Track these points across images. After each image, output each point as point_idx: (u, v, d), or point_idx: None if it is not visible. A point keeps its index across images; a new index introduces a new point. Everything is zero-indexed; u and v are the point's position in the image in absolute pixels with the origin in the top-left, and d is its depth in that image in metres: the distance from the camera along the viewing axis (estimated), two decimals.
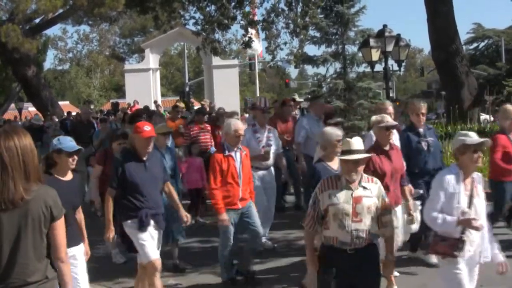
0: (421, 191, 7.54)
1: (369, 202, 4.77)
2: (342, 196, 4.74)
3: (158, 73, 38.54)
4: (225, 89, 31.18)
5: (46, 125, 17.26)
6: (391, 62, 18.91)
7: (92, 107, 27.46)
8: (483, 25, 48.86)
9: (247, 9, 18.06)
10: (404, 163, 7.34)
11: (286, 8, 17.61)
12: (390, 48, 16.54)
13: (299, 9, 17.57)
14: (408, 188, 7.28)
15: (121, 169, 6.41)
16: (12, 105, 33.73)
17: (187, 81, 43.77)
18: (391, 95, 24.63)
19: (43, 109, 21.96)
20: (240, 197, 7.43)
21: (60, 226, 3.63)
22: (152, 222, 6.43)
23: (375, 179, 4.99)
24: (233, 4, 17.49)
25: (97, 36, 72.34)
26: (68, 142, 5.43)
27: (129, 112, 17.87)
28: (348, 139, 4.97)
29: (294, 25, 17.47)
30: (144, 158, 6.46)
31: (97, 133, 14.46)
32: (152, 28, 52.01)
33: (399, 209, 6.93)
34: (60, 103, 30.50)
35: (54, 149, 5.42)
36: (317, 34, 25.85)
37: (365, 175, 4.91)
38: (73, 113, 22.37)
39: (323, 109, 11.13)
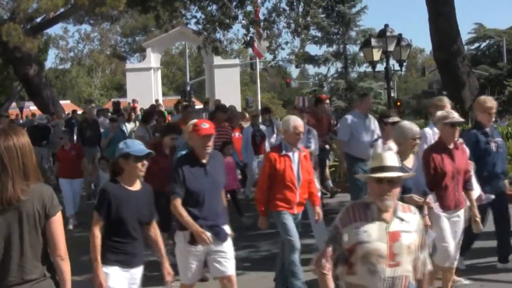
0: (492, 196, 7.15)
1: (408, 239, 3.69)
2: (374, 231, 3.63)
3: (159, 72, 38.63)
4: (226, 89, 31.21)
5: (53, 124, 17.09)
6: (392, 62, 18.92)
7: (93, 105, 27.44)
8: (485, 25, 48.73)
9: (250, 8, 18.03)
10: (472, 165, 6.76)
11: (287, 8, 17.61)
12: (391, 48, 16.56)
13: (300, 9, 17.56)
14: (473, 192, 6.67)
15: (181, 173, 5.61)
16: (14, 104, 33.74)
17: (188, 80, 43.80)
18: (392, 95, 24.67)
19: (44, 108, 21.96)
20: (297, 201, 6.74)
21: (56, 223, 3.60)
22: (209, 234, 5.58)
23: (412, 207, 3.91)
24: (234, 3, 17.47)
25: (98, 35, 72.32)
26: (136, 146, 4.93)
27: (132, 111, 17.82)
28: (380, 152, 4.20)
29: (296, 25, 17.46)
30: (204, 161, 5.66)
31: (106, 132, 14.30)
32: (154, 27, 51.96)
33: (461, 213, 6.47)
34: (61, 102, 30.47)
35: (121, 154, 4.89)
36: (319, 34, 25.87)
37: (400, 203, 3.81)
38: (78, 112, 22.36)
39: (371, 106, 10.53)
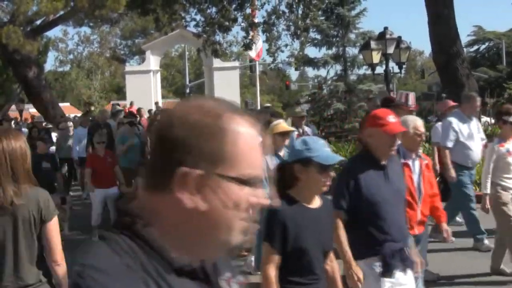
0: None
1: None
2: None
3: (158, 74, 38.62)
4: (226, 91, 31.17)
5: (60, 126, 16.44)
6: (391, 64, 18.92)
7: (92, 108, 27.43)
8: (484, 27, 48.85)
9: (249, 11, 18.06)
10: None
11: (287, 10, 17.64)
12: (390, 50, 16.56)
13: (300, 11, 17.59)
14: None
15: (353, 181, 4.25)
16: (13, 106, 33.73)
17: (187, 83, 43.82)
18: None
19: (43, 110, 21.95)
20: (418, 220, 5.28)
21: (52, 228, 3.59)
22: (397, 261, 4.21)
23: None
24: (234, 6, 17.50)
25: (98, 38, 72.34)
26: (321, 148, 3.55)
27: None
28: None
29: (295, 27, 17.49)
30: (383, 163, 4.34)
31: (123, 138, 12.43)
32: (153, 29, 51.91)
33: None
34: (61, 104, 30.46)
35: (298, 158, 3.53)
36: (318, 36, 25.85)
37: None
38: (78, 115, 22.32)
39: (478, 107, 9.21)
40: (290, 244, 3.47)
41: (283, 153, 6.83)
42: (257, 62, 34.57)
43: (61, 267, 3.61)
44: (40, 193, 3.60)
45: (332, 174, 3.53)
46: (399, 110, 7.20)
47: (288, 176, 3.58)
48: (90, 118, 16.42)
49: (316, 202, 3.62)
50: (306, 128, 11.00)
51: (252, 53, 25.60)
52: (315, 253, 3.54)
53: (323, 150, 3.54)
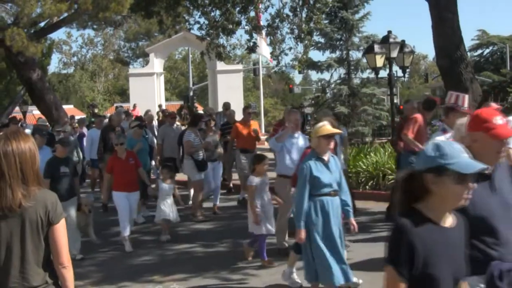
0: None
1: None
2: None
3: (162, 77, 38.66)
4: (229, 94, 31.20)
5: (63, 129, 16.17)
6: (395, 68, 18.92)
7: (96, 111, 27.47)
8: (488, 31, 48.83)
9: (253, 14, 18.05)
10: None
11: (290, 14, 17.62)
12: (394, 54, 16.54)
13: (303, 15, 17.58)
14: None
15: None
16: (17, 108, 33.82)
17: (191, 85, 43.86)
18: (395, 101, 24.66)
19: (47, 112, 21.98)
20: None
21: (59, 230, 3.57)
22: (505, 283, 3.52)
23: None
24: (237, 9, 17.49)
25: (102, 40, 72.55)
26: (459, 154, 2.93)
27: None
28: None
29: (299, 31, 17.47)
30: (489, 172, 3.69)
31: (132, 141, 11.88)
32: (157, 32, 52.03)
33: None
34: (65, 106, 30.54)
35: (430, 167, 2.92)
36: (322, 40, 25.83)
37: None
38: (80, 117, 22.32)
39: None
40: (418, 270, 2.87)
41: (327, 157, 6.59)
42: (260, 66, 34.61)
43: (67, 270, 3.59)
44: (48, 195, 3.59)
45: (473, 185, 2.94)
46: (454, 113, 6.89)
47: (417, 187, 2.96)
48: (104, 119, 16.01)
49: (450, 220, 3.00)
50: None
51: (267, 55, 25.47)
52: (446, 282, 2.92)
53: (461, 156, 2.91)
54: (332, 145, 6.76)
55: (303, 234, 6.41)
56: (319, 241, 6.42)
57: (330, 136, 6.54)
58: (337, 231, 6.53)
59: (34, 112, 31.77)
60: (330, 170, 6.57)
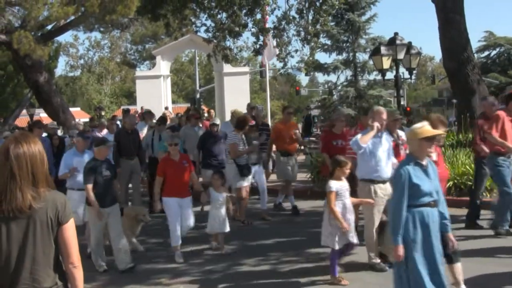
0: None
1: None
2: None
3: (169, 79, 38.67)
4: (236, 96, 31.18)
5: (69, 133, 15.76)
6: (402, 70, 18.89)
7: (103, 113, 27.50)
8: (495, 33, 48.67)
9: (259, 16, 18.05)
10: None
11: (297, 16, 17.60)
12: (401, 56, 16.53)
13: (310, 17, 17.56)
14: None
15: None
16: (24, 111, 33.93)
17: (198, 88, 43.89)
18: (402, 103, 24.59)
19: (54, 115, 22.04)
20: None
21: (69, 230, 3.61)
22: None
23: None
24: (244, 11, 17.50)
25: (109, 43, 72.75)
26: None
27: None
28: None
29: (305, 33, 17.45)
30: None
31: (162, 144, 11.75)
32: (164, 35, 52.18)
33: None
34: (71, 109, 30.64)
35: None
36: (328, 42, 25.77)
37: None
38: (86, 120, 22.35)
39: None
40: None
41: (426, 162, 5.73)
42: (267, 68, 34.55)
43: (78, 269, 3.62)
44: (57, 196, 3.62)
45: None
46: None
47: None
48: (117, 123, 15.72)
49: None
50: (401, 133, 8.80)
51: (269, 57, 25.45)
52: None
53: None
54: (433, 149, 6.09)
55: (401, 250, 5.55)
56: (418, 262, 5.57)
57: (431, 138, 5.73)
58: (438, 247, 5.69)
59: (41, 115, 31.81)
60: (430, 177, 5.71)
